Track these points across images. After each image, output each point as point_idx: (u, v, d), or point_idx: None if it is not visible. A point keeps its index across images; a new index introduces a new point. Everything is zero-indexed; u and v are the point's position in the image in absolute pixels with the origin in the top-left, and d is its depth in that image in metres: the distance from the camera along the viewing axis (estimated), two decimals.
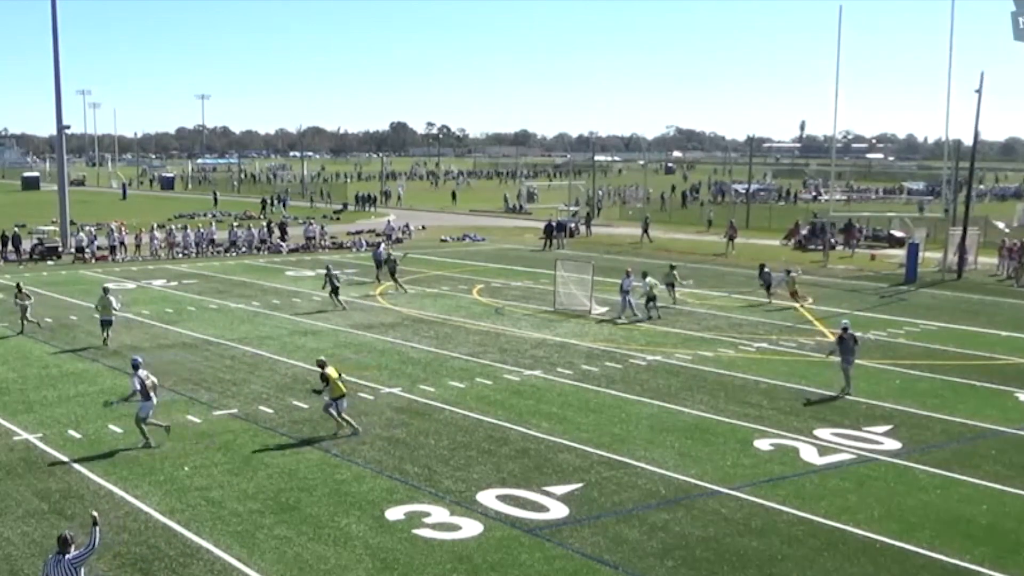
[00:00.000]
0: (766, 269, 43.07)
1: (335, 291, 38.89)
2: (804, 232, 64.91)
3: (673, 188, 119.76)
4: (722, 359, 30.16)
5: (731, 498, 18.36)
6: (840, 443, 21.64)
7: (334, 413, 22.03)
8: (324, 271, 39.85)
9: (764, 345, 32.36)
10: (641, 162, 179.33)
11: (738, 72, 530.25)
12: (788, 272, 42.14)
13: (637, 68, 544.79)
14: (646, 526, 16.98)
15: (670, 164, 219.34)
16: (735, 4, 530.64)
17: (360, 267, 51.93)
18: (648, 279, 37.21)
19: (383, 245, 51.86)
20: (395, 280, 43.75)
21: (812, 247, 61.56)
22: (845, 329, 26.18)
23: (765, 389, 26.45)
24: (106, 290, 33.02)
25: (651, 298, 36.75)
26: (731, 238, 62.00)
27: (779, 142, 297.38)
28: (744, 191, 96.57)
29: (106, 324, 31.90)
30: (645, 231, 67.33)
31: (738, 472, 19.83)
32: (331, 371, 22.10)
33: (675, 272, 41.40)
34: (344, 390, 22.09)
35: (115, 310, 32.25)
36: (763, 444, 21.63)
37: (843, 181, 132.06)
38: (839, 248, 60.04)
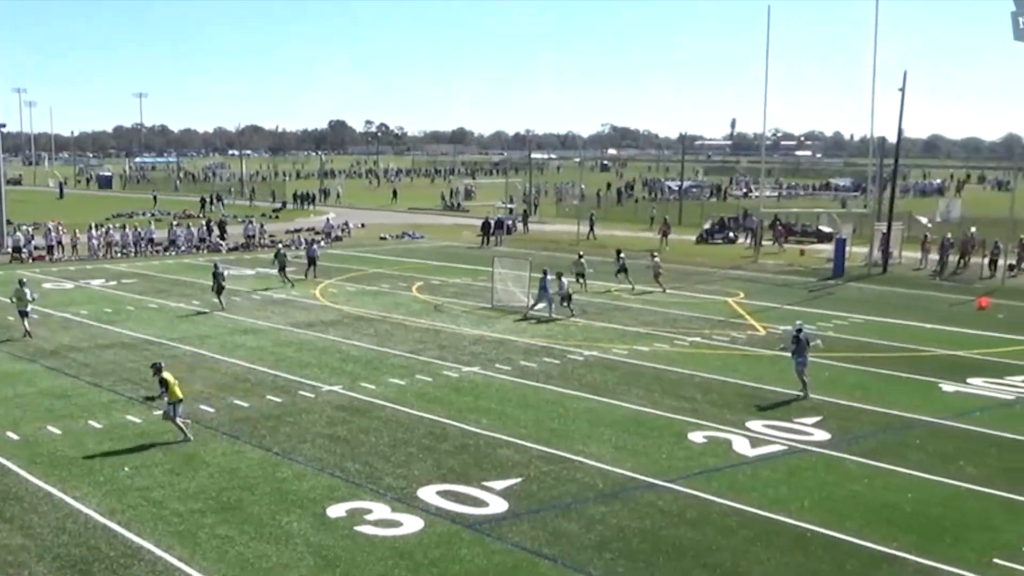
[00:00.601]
0: (622, 255, 44.65)
1: (220, 290, 38.05)
2: (707, 227, 66.83)
3: (608, 186, 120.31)
4: (658, 353, 30.37)
5: (667, 490, 18.50)
6: (771, 435, 21.90)
7: (173, 418, 21.49)
8: (212, 269, 39.29)
9: (698, 339, 32.64)
10: (577, 160, 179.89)
11: (671, 71, 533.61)
12: (652, 256, 44.75)
13: (573, 67, 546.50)
14: (584, 519, 17.06)
15: (605, 162, 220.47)
16: (668, 3, 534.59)
17: (299, 266, 51.49)
18: (563, 278, 37.42)
19: (315, 244, 51.81)
20: (283, 274, 44.06)
21: (714, 241, 64.27)
22: (799, 330, 25.25)
23: (699, 383, 26.69)
24: (21, 282, 33.51)
25: (566, 297, 36.81)
26: (665, 234, 62.53)
27: (711, 140, 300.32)
28: (677, 188, 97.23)
29: (23, 315, 32.58)
30: (591, 228, 67.58)
31: (673, 465, 19.98)
32: (168, 376, 21.60)
33: (583, 261, 43.04)
34: (181, 395, 21.60)
35: (30, 301, 32.72)
36: (697, 437, 21.82)
37: (773, 178, 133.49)
38: (764, 243, 60.54)
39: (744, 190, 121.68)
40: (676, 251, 58.97)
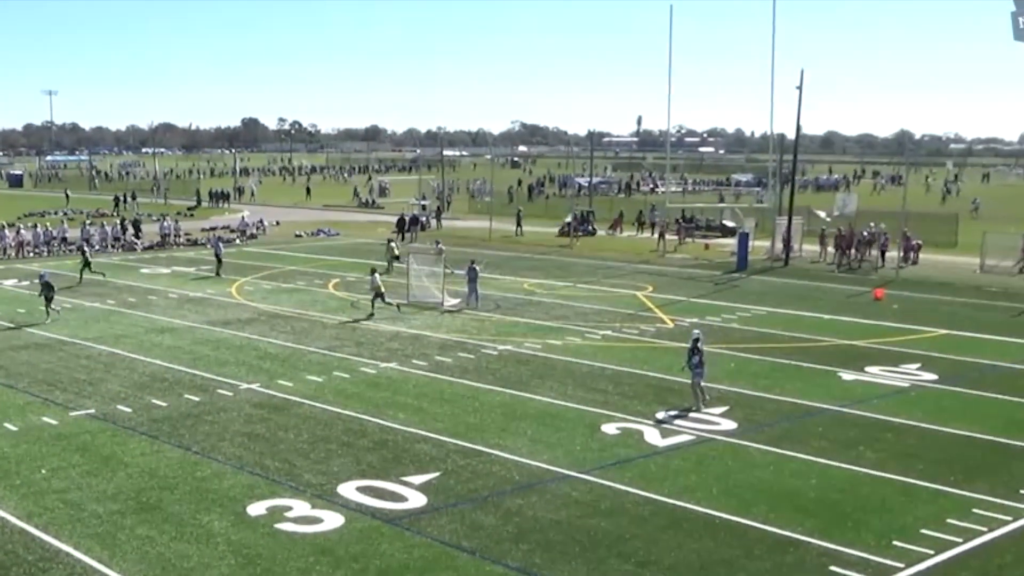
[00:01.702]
0: (392, 243, 49.69)
1: (48, 300, 34.79)
2: (569, 220, 67.13)
3: (520, 182, 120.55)
4: (569, 347, 30.56)
5: (581, 481, 18.63)
6: (681, 425, 22.19)
7: None
8: (39, 279, 35.91)
9: (608, 333, 32.91)
10: (488, 156, 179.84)
11: (579, 68, 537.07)
12: (437, 244, 45.43)
13: (483, 64, 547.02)
14: (501, 511, 17.10)
15: (516, 159, 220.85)
16: (576, 2, 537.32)
17: (215, 264, 50.76)
18: (376, 275, 37.07)
19: (220, 240, 51.81)
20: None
21: (578, 233, 64.84)
22: (697, 340, 23.48)
23: (611, 375, 26.92)
24: None
25: (379, 294, 36.20)
26: (575, 230, 62.89)
27: (618, 137, 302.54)
28: (587, 184, 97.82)
29: None
30: (518, 224, 67.39)
31: (587, 456, 20.13)
32: None
33: (394, 246, 48.41)
34: None
35: None
36: (610, 428, 22.01)
37: (678, 174, 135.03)
38: (669, 238, 61.08)
39: (651, 186, 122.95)
40: (578, 245, 59.53)
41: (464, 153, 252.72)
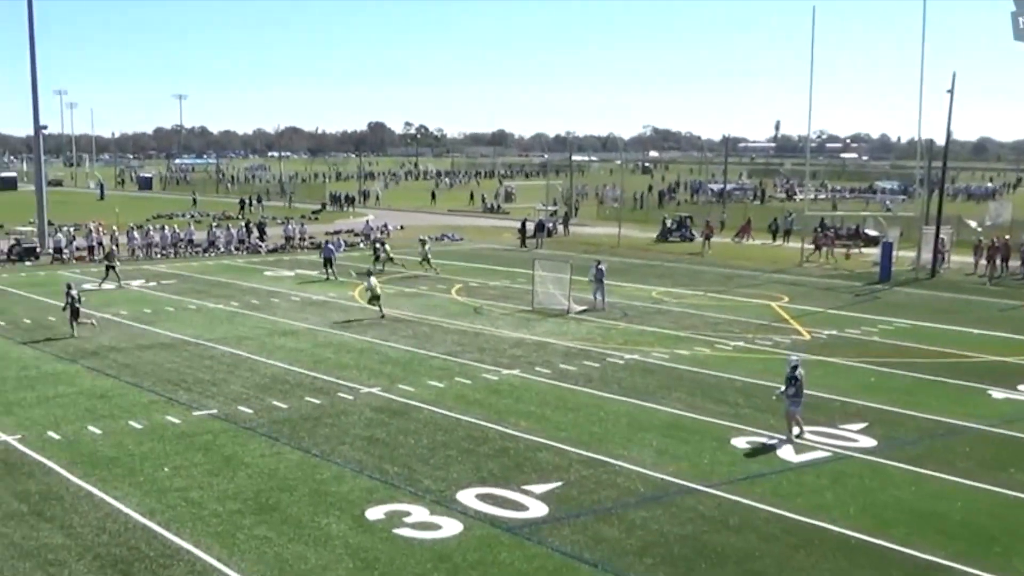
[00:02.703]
0: (329, 245, 51.18)
1: (75, 313, 33.41)
2: (666, 225, 68.48)
3: (650, 188, 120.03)
4: (698, 357, 30.25)
5: (709, 496, 18.42)
6: (816, 441, 21.73)
7: None
8: (66, 290, 34.21)
9: (740, 343, 32.47)
10: (618, 162, 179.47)
11: (714, 72, 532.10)
12: (422, 241, 50.93)
13: (614, 68, 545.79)
14: (625, 524, 17.02)
15: (647, 164, 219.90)
16: (712, 4, 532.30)
17: (338, 267, 51.85)
18: (371, 278, 38.74)
19: (330, 243, 53.26)
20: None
21: (672, 239, 66.57)
22: (794, 367, 21.73)
23: (741, 387, 26.55)
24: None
25: (376, 296, 36.92)
26: (707, 237, 62.24)
27: (754, 142, 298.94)
28: (720, 190, 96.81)
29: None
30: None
31: (715, 470, 19.90)
32: None
33: (427, 248, 50.31)
34: None
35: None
36: (740, 442, 21.71)
37: (817, 180, 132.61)
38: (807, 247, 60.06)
39: (788, 192, 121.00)
40: (678, 250, 58.95)
41: (593, 158, 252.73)
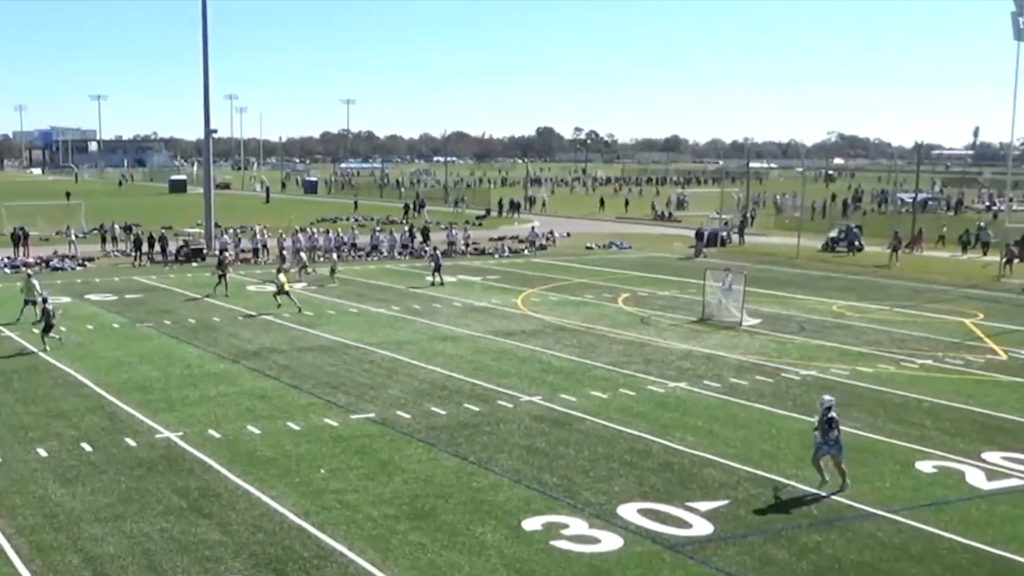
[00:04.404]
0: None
1: (48, 328, 32.25)
2: (832, 235, 67.99)
3: (833, 196, 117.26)
4: (882, 375, 29.40)
5: (889, 521, 17.88)
6: (1011, 468, 20.84)
7: None
8: (40, 301, 34.04)
9: (928, 362, 31.40)
10: (799, 169, 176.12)
11: (905, 75, 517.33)
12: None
13: (796, 71, 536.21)
14: (796, 547, 16.67)
15: (830, 172, 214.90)
16: (903, 4, 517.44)
17: (502, 274, 52.43)
18: (280, 274, 41.11)
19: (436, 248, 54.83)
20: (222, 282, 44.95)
21: (839, 250, 65.75)
22: (828, 409, 19.55)
23: (928, 408, 25.68)
24: (29, 275, 39.38)
25: (281, 291, 40.04)
26: (895, 249, 60.42)
27: (950, 149, 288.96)
28: (911, 200, 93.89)
29: (29, 303, 36.42)
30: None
31: (897, 494, 19.29)
32: None
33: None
34: None
35: (37, 292, 36.07)
36: (925, 466, 21.01)
37: (1021, 191, 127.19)
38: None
39: (987, 203, 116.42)
40: (864, 262, 57.17)
41: (772, 165, 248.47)
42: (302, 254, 54.07)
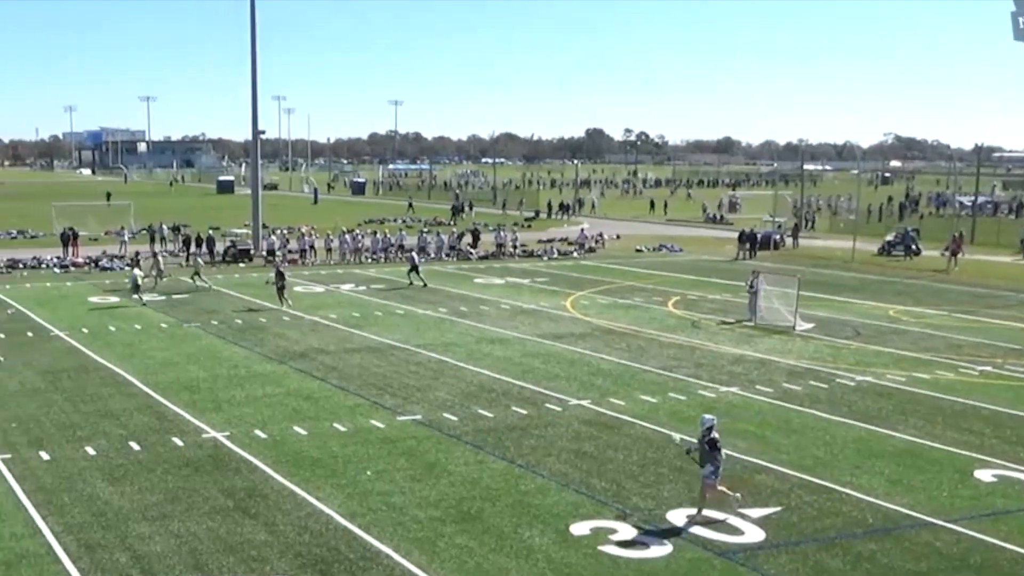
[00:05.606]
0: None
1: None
2: (889, 239, 67.21)
3: (890, 199, 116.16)
4: (940, 382, 29.05)
5: (947, 531, 17.66)
6: None
7: None
8: None
9: (988, 368, 31.00)
10: (855, 171, 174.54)
11: (965, 75, 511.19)
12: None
13: (852, 72, 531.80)
14: (850, 556, 16.51)
15: (887, 174, 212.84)
16: (962, 5, 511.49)
17: (551, 276, 52.42)
18: (135, 270, 44.04)
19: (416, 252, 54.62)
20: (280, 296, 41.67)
21: (896, 253, 64.71)
22: (709, 429, 18.12)
23: (988, 416, 25.34)
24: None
25: (136, 286, 42.54)
26: (954, 253, 59.69)
27: (1012, 152, 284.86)
28: (971, 203, 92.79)
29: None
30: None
31: (956, 504, 19.06)
32: None
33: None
34: None
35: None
36: (985, 475, 20.73)
37: None
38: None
39: None
40: (922, 266, 56.41)
41: (827, 167, 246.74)
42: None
